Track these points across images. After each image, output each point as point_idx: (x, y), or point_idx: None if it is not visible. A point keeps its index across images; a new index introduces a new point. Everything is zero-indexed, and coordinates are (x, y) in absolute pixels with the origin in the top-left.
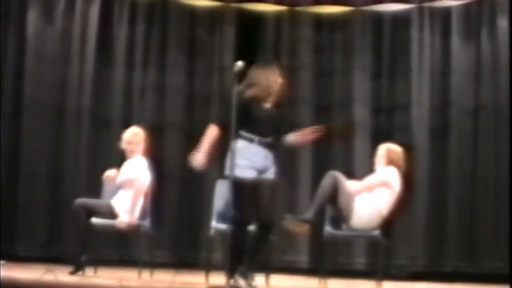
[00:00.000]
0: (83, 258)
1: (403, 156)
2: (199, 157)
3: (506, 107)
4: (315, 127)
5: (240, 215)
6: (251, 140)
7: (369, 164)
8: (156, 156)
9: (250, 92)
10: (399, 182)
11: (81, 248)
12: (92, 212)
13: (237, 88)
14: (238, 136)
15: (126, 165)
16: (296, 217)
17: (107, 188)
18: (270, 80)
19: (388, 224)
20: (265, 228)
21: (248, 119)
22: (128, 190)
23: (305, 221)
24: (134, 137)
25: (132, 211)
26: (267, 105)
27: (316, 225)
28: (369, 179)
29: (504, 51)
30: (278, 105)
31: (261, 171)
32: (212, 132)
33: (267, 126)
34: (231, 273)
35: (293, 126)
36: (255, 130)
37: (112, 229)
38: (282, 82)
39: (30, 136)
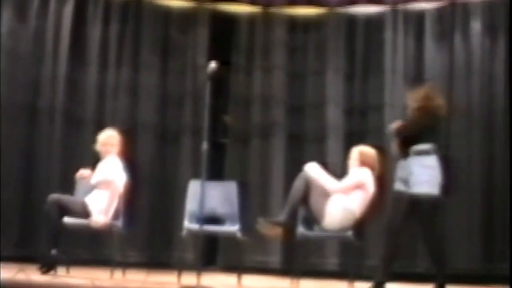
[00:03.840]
0: (53, 252)
1: (376, 158)
2: None
3: (478, 109)
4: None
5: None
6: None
7: (341, 165)
8: (129, 156)
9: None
10: (373, 184)
11: (51, 244)
12: (65, 208)
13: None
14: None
15: (101, 165)
16: (269, 220)
17: (80, 187)
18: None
19: (361, 225)
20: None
21: None
22: (103, 190)
23: (278, 224)
24: (109, 139)
25: (107, 211)
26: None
27: (289, 228)
28: (345, 182)
29: (476, 54)
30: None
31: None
32: None
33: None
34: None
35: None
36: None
37: (85, 229)
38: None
39: (2, 134)
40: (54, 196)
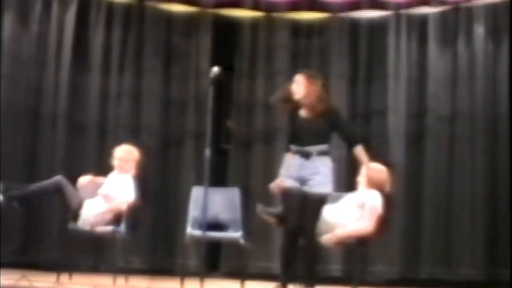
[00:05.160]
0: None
1: (386, 177)
2: None
3: (482, 114)
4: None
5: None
6: (287, 150)
7: (345, 170)
8: (142, 172)
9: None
10: (381, 205)
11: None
12: (63, 195)
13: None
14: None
15: (113, 180)
16: (266, 209)
17: (82, 193)
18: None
19: (367, 241)
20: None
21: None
22: (104, 202)
23: (273, 214)
24: (125, 155)
25: (98, 222)
26: (304, 113)
27: (283, 219)
28: (370, 216)
29: (480, 58)
30: (318, 113)
31: (301, 181)
32: None
33: (304, 135)
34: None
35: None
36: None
37: (88, 236)
38: (319, 90)
39: (5, 140)
40: (62, 180)
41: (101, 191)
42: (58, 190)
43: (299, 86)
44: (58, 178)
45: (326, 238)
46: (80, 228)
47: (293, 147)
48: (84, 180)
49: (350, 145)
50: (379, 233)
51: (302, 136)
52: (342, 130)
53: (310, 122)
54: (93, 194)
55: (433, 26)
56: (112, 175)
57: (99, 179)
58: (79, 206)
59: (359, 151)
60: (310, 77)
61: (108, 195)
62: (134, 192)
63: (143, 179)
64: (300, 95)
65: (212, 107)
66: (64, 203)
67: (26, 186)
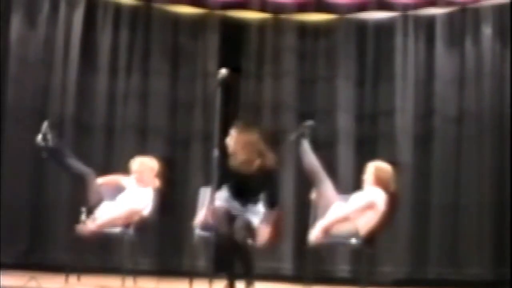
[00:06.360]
0: None
1: (391, 175)
2: None
3: (489, 114)
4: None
5: None
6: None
7: (352, 171)
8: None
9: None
10: (384, 203)
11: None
12: (85, 185)
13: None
14: None
15: (132, 190)
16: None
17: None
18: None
19: (370, 239)
20: None
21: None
22: (120, 211)
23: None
24: (140, 166)
25: (104, 225)
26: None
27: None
28: (357, 203)
29: (487, 59)
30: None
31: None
32: None
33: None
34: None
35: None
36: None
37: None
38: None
39: (12, 141)
40: (91, 175)
41: (120, 198)
42: (82, 180)
43: (231, 140)
44: (89, 171)
45: (313, 235)
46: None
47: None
48: (102, 180)
49: (271, 205)
50: (381, 230)
51: (234, 191)
52: (269, 190)
53: (243, 178)
54: (112, 195)
55: (441, 27)
56: (132, 185)
57: (123, 180)
58: (97, 204)
59: (272, 213)
60: (241, 131)
61: (124, 205)
62: (150, 205)
63: (163, 190)
64: (231, 149)
65: (219, 108)
66: (83, 196)
67: (64, 151)
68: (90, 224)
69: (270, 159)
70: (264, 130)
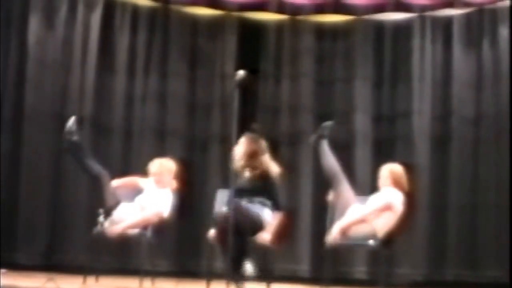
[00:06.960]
0: None
1: (405, 176)
2: None
3: (507, 116)
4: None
5: None
6: None
7: (370, 172)
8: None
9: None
10: (402, 205)
11: None
12: (100, 188)
13: None
14: None
15: (151, 191)
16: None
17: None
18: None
19: (389, 240)
20: None
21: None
22: (138, 213)
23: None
24: (159, 168)
25: (130, 227)
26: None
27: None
28: (375, 204)
29: (505, 60)
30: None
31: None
32: None
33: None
34: None
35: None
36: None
37: (113, 238)
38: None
39: (31, 143)
40: (105, 177)
41: (138, 200)
42: (96, 180)
43: (240, 147)
44: (103, 172)
45: (331, 237)
46: (104, 231)
47: None
48: (118, 183)
49: (276, 208)
50: (400, 231)
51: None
52: (270, 195)
53: (249, 182)
54: (130, 197)
55: (458, 28)
56: (151, 186)
57: (140, 181)
58: (115, 205)
59: (275, 217)
60: (251, 140)
61: (144, 208)
62: (170, 207)
63: (181, 191)
64: (238, 156)
65: (237, 109)
66: (100, 198)
67: (84, 149)
68: (115, 226)
69: (273, 168)
70: (270, 140)
